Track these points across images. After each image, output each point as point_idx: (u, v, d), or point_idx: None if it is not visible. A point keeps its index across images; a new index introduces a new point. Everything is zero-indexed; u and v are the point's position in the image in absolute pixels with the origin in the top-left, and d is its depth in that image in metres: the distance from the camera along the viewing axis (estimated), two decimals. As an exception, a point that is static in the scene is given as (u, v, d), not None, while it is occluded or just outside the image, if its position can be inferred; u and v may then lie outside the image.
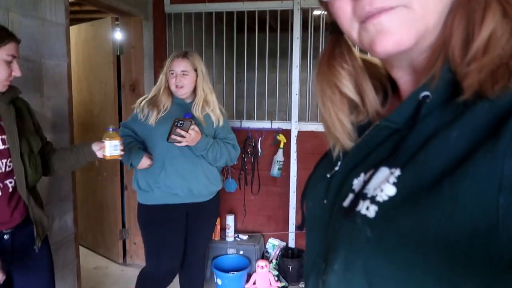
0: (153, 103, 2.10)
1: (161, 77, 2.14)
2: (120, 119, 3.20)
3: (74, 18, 3.79)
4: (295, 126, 3.10)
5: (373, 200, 0.46)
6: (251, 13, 3.24)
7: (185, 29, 3.35)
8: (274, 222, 3.25)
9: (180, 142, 1.96)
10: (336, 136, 0.56)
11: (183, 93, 2.10)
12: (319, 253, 0.56)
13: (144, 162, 2.07)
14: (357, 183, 0.51)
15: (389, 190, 0.44)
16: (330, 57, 0.54)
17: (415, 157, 0.43)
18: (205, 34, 3.30)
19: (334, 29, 0.54)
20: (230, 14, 3.25)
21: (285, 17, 3.35)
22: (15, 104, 1.52)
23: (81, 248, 2.71)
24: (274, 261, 3.10)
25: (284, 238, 3.22)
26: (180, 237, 2.21)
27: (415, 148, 0.44)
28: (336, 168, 0.57)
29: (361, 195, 0.48)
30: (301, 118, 3.14)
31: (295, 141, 3.10)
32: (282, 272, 2.97)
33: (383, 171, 0.46)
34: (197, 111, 2.10)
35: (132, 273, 3.24)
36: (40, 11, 2.06)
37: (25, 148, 1.49)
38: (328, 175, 0.58)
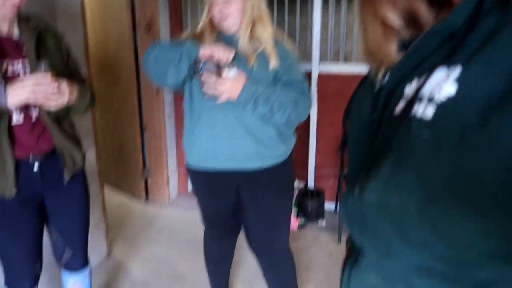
0: (196, 40, 1.65)
1: (205, 9, 1.67)
2: (136, 60, 3.19)
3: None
4: (315, 68, 3.03)
5: (430, 101, 0.45)
6: None
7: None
8: (294, 163, 3.24)
9: (218, 95, 1.50)
10: (379, 58, 0.56)
11: (229, 24, 1.59)
12: (363, 166, 0.57)
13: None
14: (409, 90, 0.50)
15: (449, 89, 0.43)
16: None
17: (479, 52, 0.41)
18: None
19: None
20: None
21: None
22: (42, 35, 1.48)
23: (105, 187, 2.81)
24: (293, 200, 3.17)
25: (304, 179, 3.26)
26: (227, 210, 1.83)
27: (477, 44, 0.42)
28: (384, 82, 0.57)
29: (415, 99, 0.47)
30: (322, 60, 3.05)
31: (315, 83, 3.04)
32: (301, 211, 3.04)
33: (441, 71, 0.45)
34: (244, 47, 1.58)
35: (154, 210, 3.39)
36: None
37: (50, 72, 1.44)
38: (376, 89, 0.58)
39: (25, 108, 1.42)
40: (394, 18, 0.53)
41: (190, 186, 3.62)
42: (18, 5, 1.33)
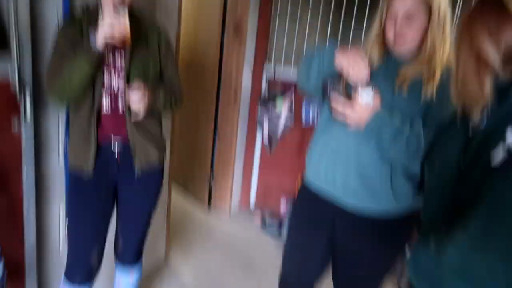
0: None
1: (375, 22, 1.40)
2: (220, 58, 3.13)
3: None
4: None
5: None
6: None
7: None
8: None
9: (344, 116, 1.27)
10: (467, 97, 0.52)
11: (405, 46, 1.31)
12: (442, 217, 0.52)
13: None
14: None
15: None
16: (473, 13, 0.51)
17: None
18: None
19: None
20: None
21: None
22: (146, 31, 1.54)
23: (173, 186, 2.77)
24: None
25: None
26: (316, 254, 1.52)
27: None
28: (479, 125, 0.52)
29: None
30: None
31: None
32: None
33: None
34: (407, 71, 1.30)
35: (214, 220, 3.29)
36: None
37: (137, 69, 1.48)
38: (468, 132, 0.53)
39: (114, 100, 1.48)
40: (493, 53, 0.47)
41: (252, 202, 3.50)
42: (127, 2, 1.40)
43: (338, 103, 1.24)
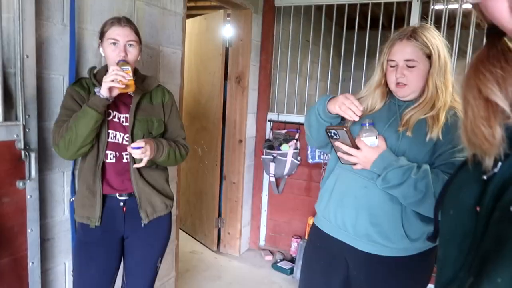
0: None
1: (376, 70, 1.44)
2: (224, 110, 3.28)
3: (189, 14, 3.99)
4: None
5: None
6: (363, 9, 3.07)
7: (293, 23, 3.31)
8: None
9: (353, 163, 1.29)
10: (478, 145, 0.51)
11: (407, 94, 1.35)
12: (463, 266, 0.49)
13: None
14: None
15: None
16: (479, 61, 0.50)
17: None
18: (313, 30, 3.22)
19: (489, 32, 0.50)
20: (340, 9, 3.13)
21: (400, 13, 3.11)
22: (153, 92, 1.66)
23: (180, 232, 2.82)
24: None
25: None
26: None
27: None
28: (496, 170, 0.50)
29: None
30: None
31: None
32: None
33: None
34: (410, 114, 1.32)
35: (224, 261, 3.31)
36: (162, 0, 2.18)
37: (142, 127, 1.58)
38: (485, 177, 0.51)
39: (119, 152, 1.56)
40: (502, 100, 0.47)
41: (262, 242, 3.53)
42: (130, 61, 1.52)
43: (342, 149, 1.27)
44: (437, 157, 1.27)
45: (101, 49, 1.57)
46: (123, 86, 1.43)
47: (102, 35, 1.55)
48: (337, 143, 1.29)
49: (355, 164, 1.29)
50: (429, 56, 1.30)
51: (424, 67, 1.30)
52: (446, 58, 1.31)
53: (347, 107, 1.30)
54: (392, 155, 1.27)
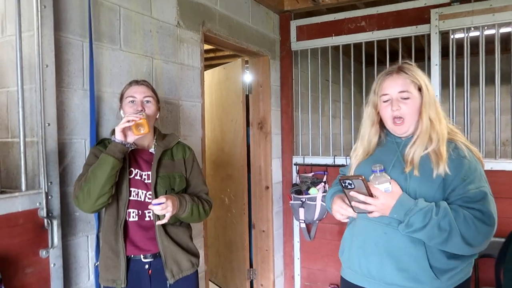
0: (355, 150, 1.50)
1: (367, 110, 1.46)
2: (248, 156, 3.25)
3: (208, 64, 4.10)
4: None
5: None
6: (381, 44, 3.05)
7: (311, 65, 3.31)
8: None
9: (368, 211, 1.27)
10: None
11: (405, 129, 1.35)
12: None
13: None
14: None
15: None
16: None
17: None
18: (332, 69, 3.21)
19: None
20: (357, 46, 3.12)
21: (419, 45, 3.07)
22: (173, 149, 1.66)
23: (211, 285, 2.71)
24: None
25: None
26: None
27: None
28: None
29: None
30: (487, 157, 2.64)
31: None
32: None
33: None
34: (412, 152, 1.31)
35: (258, 316, 3.14)
36: (179, 57, 2.23)
37: (164, 184, 1.56)
38: None
39: (141, 209, 1.55)
40: None
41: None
42: (148, 116, 1.52)
43: (358, 199, 1.24)
44: (450, 192, 1.26)
45: (121, 111, 1.60)
46: (134, 123, 1.42)
47: (121, 98, 1.60)
48: (352, 193, 1.25)
49: (370, 212, 1.26)
50: (419, 89, 1.33)
51: (417, 99, 1.32)
52: (433, 92, 1.35)
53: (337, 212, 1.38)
54: (409, 199, 1.25)
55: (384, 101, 1.36)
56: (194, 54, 2.34)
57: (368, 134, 1.44)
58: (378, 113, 1.41)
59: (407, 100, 1.32)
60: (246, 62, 3.32)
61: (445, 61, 2.73)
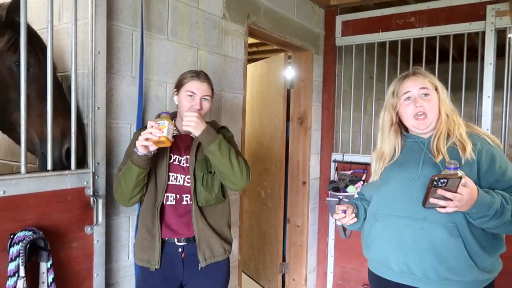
0: (381, 154, 1.53)
1: (383, 114, 1.52)
2: (287, 150, 3.24)
3: (251, 58, 4.12)
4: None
5: None
6: (429, 42, 2.93)
7: (356, 61, 3.25)
8: None
9: (443, 206, 1.26)
10: None
11: (428, 124, 1.42)
12: None
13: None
14: None
15: None
16: None
17: None
18: (377, 67, 3.13)
19: None
20: (405, 43, 3.02)
21: (472, 44, 2.92)
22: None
23: (243, 276, 2.75)
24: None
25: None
26: None
27: None
28: None
29: None
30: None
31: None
32: None
33: None
34: (440, 143, 1.38)
35: (289, 310, 3.15)
36: (223, 49, 2.26)
37: (201, 167, 1.59)
38: None
39: (180, 194, 1.59)
40: None
41: (329, 289, 3.32)
42: (203, 113, 1.60)
43: (446, 195, 1.22)
44: (494, 183, 1.33)
45: (175, 97, 1.63)
46: (153, 142, 1.42)
47: (180, 85, 1.61)
48: (439, 191, 1.23)
49: (443, 207, 1.26)
50: (435, 89, 1.43)
51: (435, 97, 1.42)
52: (446, 92, 1.45)
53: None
54: (484, 194, 1.26)
55: (405, 99, 1.44)
56: (238, 46, 2.36)
57: (388, 137, 1.51)
58: (397, 114, 1.48)
59: (427, 96, 1.41)
60: (289, 57, 3.31)
61: (500, 62, 2.59)
